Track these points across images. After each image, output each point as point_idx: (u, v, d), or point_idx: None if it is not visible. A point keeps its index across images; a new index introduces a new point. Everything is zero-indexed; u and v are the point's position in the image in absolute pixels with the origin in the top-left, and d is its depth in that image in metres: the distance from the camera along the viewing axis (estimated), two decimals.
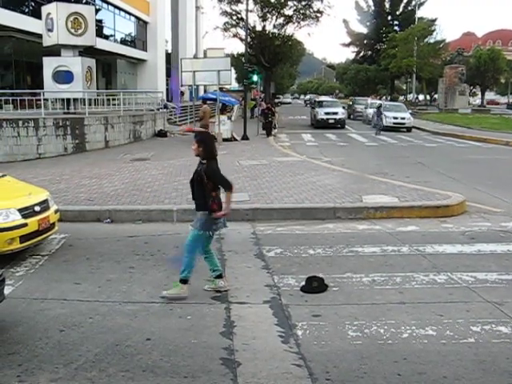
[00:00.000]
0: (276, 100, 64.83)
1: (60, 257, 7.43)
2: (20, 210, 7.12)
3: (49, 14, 20.62)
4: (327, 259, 7.16)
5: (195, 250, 5.87)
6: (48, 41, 21.01)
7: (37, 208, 7.43)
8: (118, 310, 5.52)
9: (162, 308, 5.60)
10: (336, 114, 32.52)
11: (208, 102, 31.52)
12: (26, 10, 26.98)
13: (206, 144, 5.81)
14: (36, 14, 24.33)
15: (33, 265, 7.06)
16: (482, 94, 69.15)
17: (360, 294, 5.92)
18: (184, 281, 5.83)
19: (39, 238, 7.46)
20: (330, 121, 32.03)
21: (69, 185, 12.05)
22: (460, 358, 4.44)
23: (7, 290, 5.44)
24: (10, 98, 20.54)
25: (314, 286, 6.00)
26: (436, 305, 5.58)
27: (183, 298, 5.78)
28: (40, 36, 21.97)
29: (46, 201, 7.79)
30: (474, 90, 66.95)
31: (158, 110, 27.35)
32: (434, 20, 61.89)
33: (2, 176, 8.27)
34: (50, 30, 20.60)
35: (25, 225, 7.07)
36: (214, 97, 25.75)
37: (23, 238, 7.07)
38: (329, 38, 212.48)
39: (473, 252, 7.47)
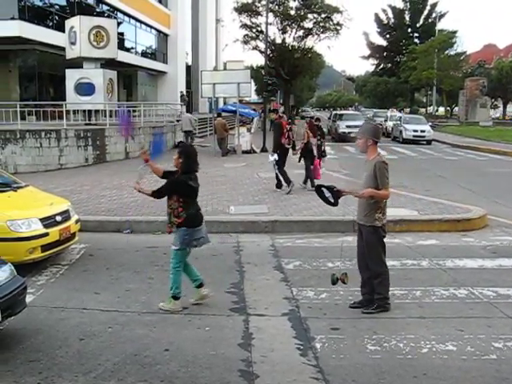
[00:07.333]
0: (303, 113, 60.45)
1: (80, 266, 7.51)
2: (42, 220, 7.22)
3: (72, 27, 21.04)
4: (346, 272, 7.09)
5: (178, 266, 5.83)
6: (71, 53, 21.40)
7: (58, 218, 7.53)
8: (137, 320, 5.55)
9: (180, 319, 5.62)
10: (358, 127, 31.97)
11: (228, 113, 31.69)
12: (50, 24, 27.52)
13: (186, 157, 5.76)
14: (59, 28, 24.91)
15: (53, 274, 7.15)
16: (504, 107, 68.25)
17: None
18: (175, 298, 5.83)
19: (60, 247, 7.55)
20: (352, 134, 31.74)
21: (90, 195, 12.19)
22: (482, 375, 4.38)
23: (28, 299, 5.51)
24: (33, 110, 20.95)
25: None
26: (456, 320, 5.51)
27: (178, 310, 5.79)
28: (63, 49, 22.39)
29: (67, 211, 7.90)
30: (495, 102, 66.02)
31: (178, 121, 27.55)
32: (455, 32, 61.50)
33: (25, 186, 8.39)
34: (73, 43, 21.00)
35: (46, 234, 7.17)
36: (234, 109, 25.89)
37: (44, 248, 7.17)
38: (348, 51, 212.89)
39: (494, 266, 7.37)
